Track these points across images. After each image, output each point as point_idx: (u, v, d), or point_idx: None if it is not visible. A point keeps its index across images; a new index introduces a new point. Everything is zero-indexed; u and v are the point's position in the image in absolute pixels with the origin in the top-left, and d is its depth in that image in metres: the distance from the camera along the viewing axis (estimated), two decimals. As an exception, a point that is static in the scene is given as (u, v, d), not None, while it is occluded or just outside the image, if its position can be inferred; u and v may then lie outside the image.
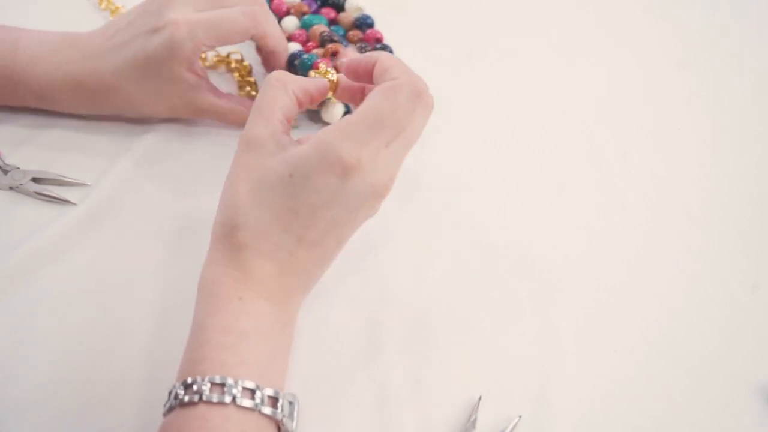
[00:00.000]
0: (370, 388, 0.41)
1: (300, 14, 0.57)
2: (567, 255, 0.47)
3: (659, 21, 0.63)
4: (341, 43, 0.54)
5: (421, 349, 0.43)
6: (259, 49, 0.52)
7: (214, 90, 0.50)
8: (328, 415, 0.40)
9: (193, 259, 0.45)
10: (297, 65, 0.52)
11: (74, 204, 0.48)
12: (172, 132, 0.52)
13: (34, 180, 0.48)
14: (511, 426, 0.40)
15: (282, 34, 0.51)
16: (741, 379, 0.42)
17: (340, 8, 0.58)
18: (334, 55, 0.53)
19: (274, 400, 0.34)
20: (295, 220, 0.37)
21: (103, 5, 0.61)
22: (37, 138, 0.51)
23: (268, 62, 0.52)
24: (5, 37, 0.49)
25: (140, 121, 0.52)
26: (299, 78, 0.41)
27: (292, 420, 0.35)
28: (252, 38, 0.49)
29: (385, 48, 0.54)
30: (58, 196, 0.47)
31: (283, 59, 0.51)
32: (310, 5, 0.58)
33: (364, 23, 0.57)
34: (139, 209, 0.48)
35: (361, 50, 0.54)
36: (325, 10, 0.58)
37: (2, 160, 0.49)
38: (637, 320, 0.44)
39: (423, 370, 0.42)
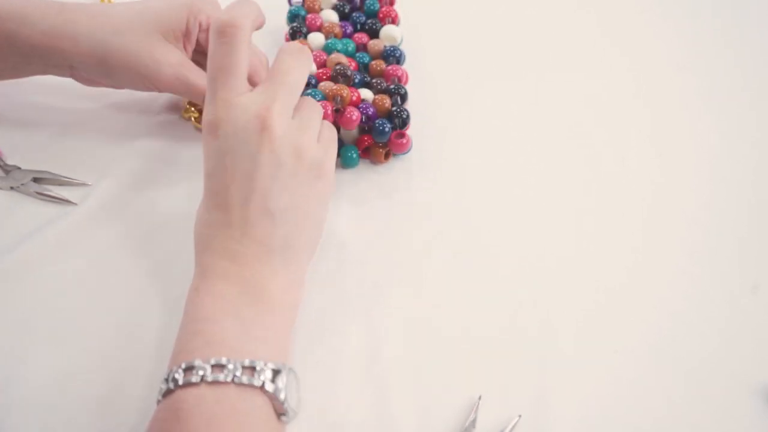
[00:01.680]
0: (370, 388, 0.41)
1: (330, 35, 0.56)
2: (567, 257, 0.47)
3: (658, 25, 0.64)
4: (352, 79, 0.52)
5: (421, 349, 0.42)
6: None
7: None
8: (328, 415, 0.40)
9: (193, 258, 0.46)
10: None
11: (75, 204, 0.48)
12: (173, 132, 0.52)
13: (35, 180, 0.48)
14: (510, 426, 0.39)
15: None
16: (741, 380, 0.42)
17: (374, 34, 0.56)
18: (339, 99, 0.50)
19: (251, 369, 0.34)
20: (210, 195, 0.40)
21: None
22: (37, 138, 0.51)
23: None
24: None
25: (141, 121, 0.52)
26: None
27: (281, 390, 0.35)
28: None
29: (400, 90, 0.52)
30: (59, 196, 0.48)
31: None
32: (345, 28, 0.56)
33: (391, 55, 0.54)
34: (140, 209, 0.48)
35: (377, 86, 0.52)
36: (358, 35, 0.56)
37: (3, 160, 0.49)
38: (637, 321, 0.44)
39: (423, 370, 0.42)
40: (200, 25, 0.50)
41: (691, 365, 0.42)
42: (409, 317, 0.44)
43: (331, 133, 0.44)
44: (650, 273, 0.47)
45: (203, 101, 0.48)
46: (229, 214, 0.39)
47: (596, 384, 0.42)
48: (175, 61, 0.48)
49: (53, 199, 0.48)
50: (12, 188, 0.48)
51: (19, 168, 0.49)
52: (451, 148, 0.53)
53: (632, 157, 0.53)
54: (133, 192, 0.49)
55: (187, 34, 0.49)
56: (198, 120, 0.53)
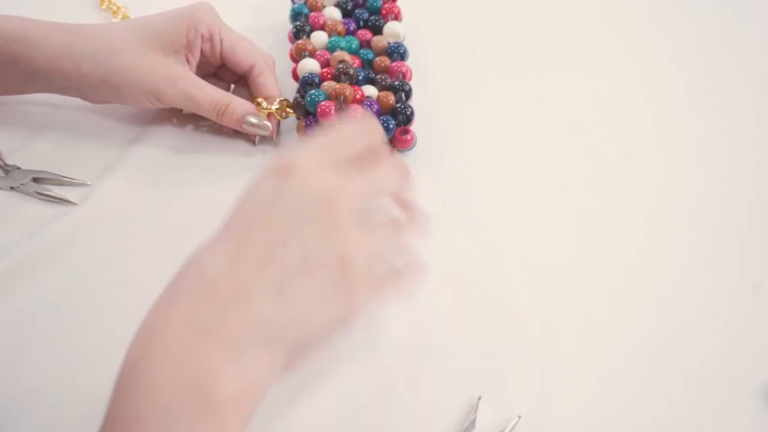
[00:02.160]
0: (370, 388, 0.41)
1: (333, 33, 0.55)
2: (568, 255, 0.47)
3: (660, 22, 0.63)
4: (355, 77, 0.51)
5: (421, 349, 0.42)
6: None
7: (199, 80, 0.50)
8: (328, 415, 0.40)
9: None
10: (305, 98, 0.50)
11: (75, 204, 0.48)
12: (173, 134, 0.52)
13: (35, 180, 0.48)
14: (510, 426, 0.39)
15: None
16: (741, 380, 0.42)
17: (377, 31, 0.56)
18: (342, 98, 0.50)
19: None
20: (227, 237, 0.33)
21: (105, 5, 0.61)
22: (37, 138, 0.51)
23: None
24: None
25: (141, 122, 0.52)
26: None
27: None
28: (247, 79, 0.52)
29: (404, 86, 0.52)
30: (59, 196, 0.48)
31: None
32: (348, 25, 0.56)
33: (395, 51, 0.54)
34: (140, 209, 0.48)
35: (381, 82, 0.52)
36: (361, 32, 0.56)
37: (3, 160, 0.49)
38: (638, 320, 0.44)
39: (423, 370, 0.42)
40: (202, 36, 0.50)
41: (691, 365, 0.42)
42: (409, 317, 0.44)
43: (397, 278, 0.37)
44: (651, 272, 0.46)
45: (208, 114, 0.49)
46: (237, 268, 0.31)
47: (596, 384, 0.42)
48: (176, 75, 0.48)
49: (53, 199, 0.48)
50: (12, 188, 0.48)
51: (19, 168, 0.49)
52: (454, 144, 0.53)
53: (634, 155, 0.53)
54: (133, 192, 0.49)
55: (188, 47, 0.49)
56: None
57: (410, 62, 0.55)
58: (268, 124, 0.50)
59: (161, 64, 0.48)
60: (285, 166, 0.33)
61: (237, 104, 0.50)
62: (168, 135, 0.52)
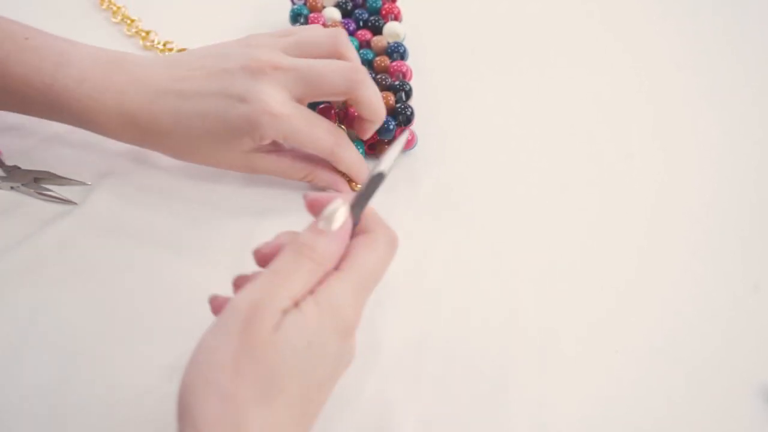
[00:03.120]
0: (370, 387, 0.41)
1: None
2: (568, 255, 0.47)
3: (661, 22, 0.63)
4: None
5: (421, 349, 0.43)
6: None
7: (278, 148, 0.47)
8: (328, 416, 0.40)
9: (195, 259, 0.46)
10: None
11: (75, 204, 0.48)
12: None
13: (35, 180, 0.48)
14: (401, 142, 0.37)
15: (380, 102, 0.46)
16: (742, 380, 0.42)
17: (377, 31, 0.56)
18: (341, 102, 0.50)
19: None
20: (304, 412, 0.33)
21: (105, 5, 0.61)
22: (37, 138, 0.51)
23: (359, 125, 0.48)
24: (49, 46, 0.45)
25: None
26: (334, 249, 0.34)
27: None
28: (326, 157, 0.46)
29: (404, 86, 0.52)
30: (60, 196, 0.48)
31: (374, 128, 0.48)
32: (347, 25, 0.56)
33: (395, 51, 0.54)
34: (142, 210, 0.48)
35: (381, 82, 0.52)
36: (361, 32, 0.56)
37: (2, 161, 0.49)
38: (638, 321, 0.44)
39: (422, 369, 0.42)
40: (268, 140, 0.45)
41: (692, 365, 0.42)
42: (410, 313, 0.44)
43: None
44: (652, 272, 0.46)
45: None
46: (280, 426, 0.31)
47: (597, 384, 0.42)
48: (258, 169, 0.47)
49: (54, 199, 0.48)
50: (12, 188, 0.48)
51: (19, 168, 0.49)
52: (454, 144, 0.53)
53: (635, 155, 0.53)
54: (134, 192, 0.49)
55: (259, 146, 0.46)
56: None
57: (410, 62, 0.55)
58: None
59: (240, 163, 0.47)
60: (348, 329, 0.33)
61: (323, 181, 0.48)
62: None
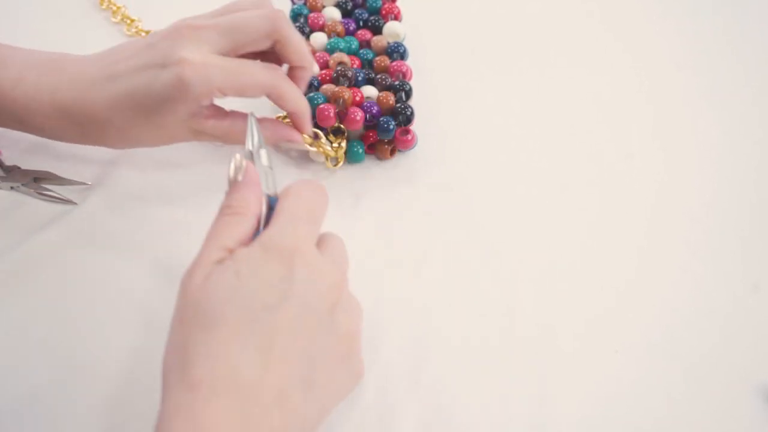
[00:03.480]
0: (370, 387, 0.41)
1: (333, 33, 0.55)
2: (568, 255, 0.47)
3: (661, 22, 0.63)
4: (354, 79, 0.51)
5: (421, 347, 0.43)
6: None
7: (216, 113, 0.45)
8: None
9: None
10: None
11: (75, 204, 0.48)
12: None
13: (35, 180, 0.48)
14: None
15: (302, 96, 0.46)
16: (742, 379, 0.42)
17: (377, 31, 0.56)
18: (341, 101, 0.50)
19: None
20: (252, 331, 0.32)
21: (105, 5, 0.61)
22: (37, 138, 0.51)
23: (292, 75, 0.47)
24: None
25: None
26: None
27: None
28: (269, 97, 0.45)
29: (404, 86, 0.52)
30: (60, 196, 0.48)
31: (305, 120, 0.47)
32: (347, 25, 0.56)
33: (395, 51, 0.54)
34: (142, 209, 0.48)
35: (381, 82, 0.52)
36: (361, 32, 0.56)
37: (2, 161, 0.49)
38: (638, 320, 0.44)
39: (422, 369, 0.42)
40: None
41: (691, 365, 0.42)
42: (411, 312, 0.44)
43: None
44: (652, 272, 0.46)
45: None
46: (271, 365, 0.32)
47: (596, 384, 0.42)
48: (198, 135, 0.46)
49: (54, 199, 0.48)
50: (12, 188, 0.48)
51: (19, 168, 0.49)
52: (454, 144, 0.53)
53: (635, 155, 0.53)
54: (134, 192, 0.49)
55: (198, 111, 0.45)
56: None
57: (410, 62, 0.55)
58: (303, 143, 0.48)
59: (179, 130, 0.45)
60: (290, 252, 0.34)
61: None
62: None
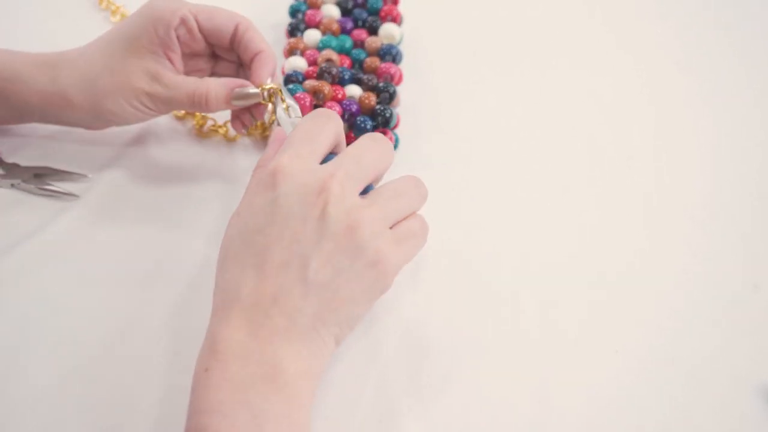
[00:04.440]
0: (370, 386, 0.41)
1: (327, 31, 0.55)
2: (568, 255, 0.47)
3: (661, 24, 0.63)
4: (338, 77, 0.52)
5: (419, 348, 0.43)
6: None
7: (180, 72, 0.47)
8: (329, 416, 0.40)
9: (199, 252, 0.45)
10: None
11: (77, 196, 0.47)
12: (175, 125, 0.52)
13: (35, 176, 0.48)
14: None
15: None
16: (742, 379, 0.42)
17: (374, 32, 0.56)
18: (321, 96, 0.50)
19: None
20: (248, 254, 0.36)
21: (104, 4, 0.61)
22: (36, 134, 0.51)
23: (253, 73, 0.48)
24: None
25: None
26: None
27: None
28: (236, 34, 0.47)
29: (388, 88, 0.51)
30: (61, 190, 0.47)
31: (267, 65, 0.47)
32: (345, 24, 0.56)
33: (387, 53, 0.54)
34: (144, 199, 0.48)
35: (367, 83, 0.52)
36: (357, 31, 0.56)
37: (1, 158, 0.49)
38: (639, 321, 0.44)
39: (421, 369, 0.42)
40: (174, 26, 0.46)
41: (692, 364, 0.43)
42: (408, 317, 0.44)
43: (414, 230, 0.39)
44: (652, 272, 0.47)
45: (192, 108, 0.46)
46: (264, 276, 0.35)
47: (597, 384, 0.42)
48: (159, 74, 0.46)
49: (55, 194, 0.47)
50: (12, 185, 0.48)
51: (18, 165, 0.48)
52: (455, 145, 0.53)
53: (635, 157, 0.53)
54: (136, 182, 0.49)
55: (163, 44, 0.46)
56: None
57: (410, 66, 0.55)
58: (256, 89, 0.46)
59: (136, 74, 0.45)
60: (271, 174, 0.37)
61: (215, 85, 0.46)
62: (170, 128, 0.52)
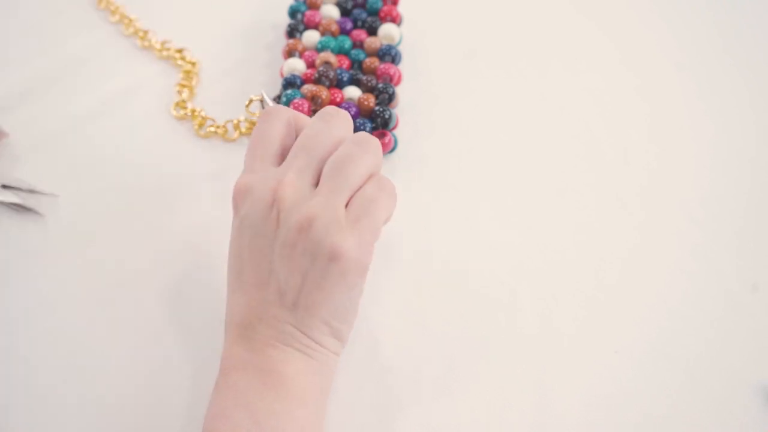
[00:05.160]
0: (369, 387, 0.41)
1: (327, 32, 0.55)
2: (566, 255, 0.47)
3: (658, 22, 0.63)
4: (336, 80, 0.52)
5: (418, 349, 0.43)
6: None
7: None
8: (329, 416, 0.39)
9: (197, 253, 0.46)
10: (281, 98, 0.51)
11: (42, 215, 0.47)
12: (172, 128, 0.52)
13: (3, 187, 0.47)
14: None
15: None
16: (741, 379, 0.42)
17: (373, 32, 0.56)
18: (318, 101, 0.50)
19: None
20: (234, 277, 0.38)
21: (103, 4, 0.60)
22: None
23: None
24: None
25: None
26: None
27: None
28: None
29: (387, 89, 0.51)
30: (27, 206, 0.47)
31: None
32: (344, 24, 0.56)
33: (387, 53, 0.54)
34: (141, 200, 0.48)
35: (366, 83, 0.52)
36: (356, 32, 0.56)
37: None
38: (638, 321, 0.44)
39: (421, 370, 0.42)
40: None
41: (691, 364, 0.43)
42: (408, 317, 0.44)
43: (370, 197, 0.36)
44: (650, 272, 0.47)
45: None
46: (248, 296, 0.36)
47: (596, 384, 0.42)
48: None
49: (20, 208, 0.47)
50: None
51: None
52: (455, 147, 0.53)
53: (633, 154, 0.53)
54: (135, 184, 0.49)
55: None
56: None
57: (409, 66, 0.55)
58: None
59: None
60: (233, 197, 0.38)
61: None
62: (168, 131, 0.52)
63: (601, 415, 0.41)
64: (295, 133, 0.40)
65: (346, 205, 0.36)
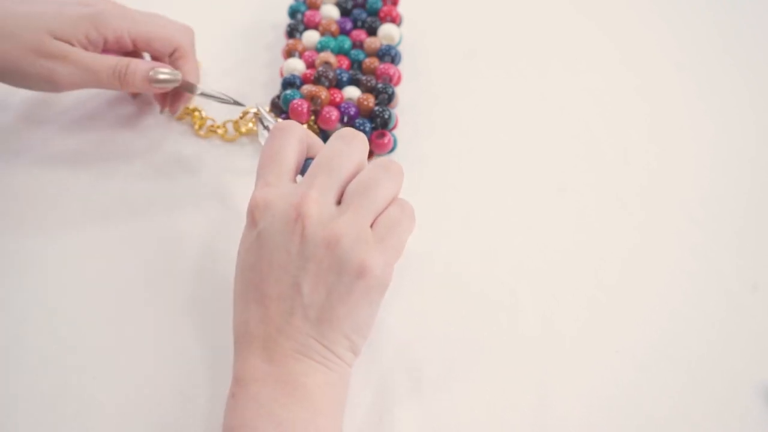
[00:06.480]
0: (369, 388, 0.41)
1: (326, 32, 0.55)
2: (566, 255, 0.47)
3: (658, 22, 0.63)
4: (335, 80, 0.52)
5: (418, 350, 0.43)
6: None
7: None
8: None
9: (198, 253, 0.46)
10: (281, 98, 0.51)
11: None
12: (171, 128, 0.52)
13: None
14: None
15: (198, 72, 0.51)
16: (741, 379, 0.42)
17: (373, 32, 0.56)
18: (318, 101, 0.50)
19: None
20: (247, 290, 0.38)
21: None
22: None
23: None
24: None
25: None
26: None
27: None
28: (174, 53, 0.49)
29: (387, 90, 0.52)
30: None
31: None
32: (344, 24, 0.56)
33: (386, 54, 0.54)
34: (140, 200, 0.48)
35: (366, 83, 0.52)
36: (356, 32, 0.56)
37: None
38: (638, 321, 0.44)
39: (422, 370, 0.42)
40: (106, 41, 0.47)
41: (691, 364, 0.43)
42: (408, 318, 0.44)
43: (395, 218, 0.39)
44: (651, 271, 0.47)
45: (110, 82, 0.46)
46: (266, 309, 0.37)
47: (597, 384, 0.42)
48: (66, 52, 0.45)
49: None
50: None
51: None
52: (455, 147, 0.53)
53: (633, 154, 0.53)
54: (134, 183, 0.49)
55: (88, 44, 0.46)
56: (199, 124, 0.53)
57: (406, 67, 0.55)
58: (178, 72, 0.48)
59: (49, 45, 0.45)
60: (250, 211, 0.38)
61: (138, 63, 0.47)
62: (168, 130, 0.52)
63: (602, 415, 0.41)
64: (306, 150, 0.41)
65: (371, 226, 0.37)
